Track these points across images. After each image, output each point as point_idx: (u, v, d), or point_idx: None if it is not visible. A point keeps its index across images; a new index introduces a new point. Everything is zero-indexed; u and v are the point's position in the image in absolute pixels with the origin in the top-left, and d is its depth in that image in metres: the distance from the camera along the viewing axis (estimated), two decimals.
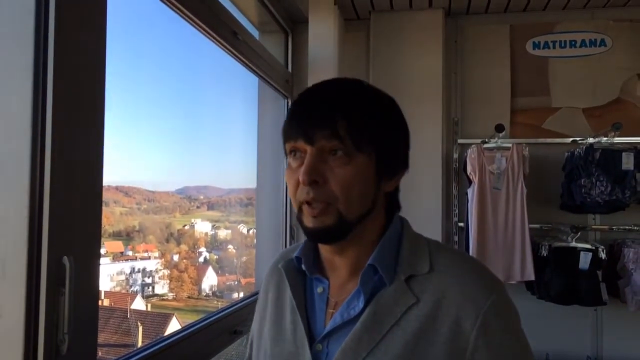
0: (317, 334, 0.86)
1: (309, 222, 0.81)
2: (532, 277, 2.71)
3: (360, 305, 0.82)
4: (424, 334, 0.78)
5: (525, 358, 0.81)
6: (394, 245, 0.86)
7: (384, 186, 0.86)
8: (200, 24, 1.79)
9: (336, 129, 0.79)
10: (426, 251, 0.86)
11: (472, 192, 2.84)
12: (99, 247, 1.14)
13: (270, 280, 1.00)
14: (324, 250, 0.90)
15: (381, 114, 0.85)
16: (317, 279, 0.91)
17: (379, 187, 0.85)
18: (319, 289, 0.90)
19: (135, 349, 1.47)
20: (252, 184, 3.03)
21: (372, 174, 0.82)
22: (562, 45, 3.05)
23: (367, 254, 0.84)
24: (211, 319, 1.92)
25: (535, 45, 3.07)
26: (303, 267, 0.91)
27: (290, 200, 2.89)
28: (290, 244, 2.86)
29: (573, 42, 3.04)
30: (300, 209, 0.83)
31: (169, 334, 1.68)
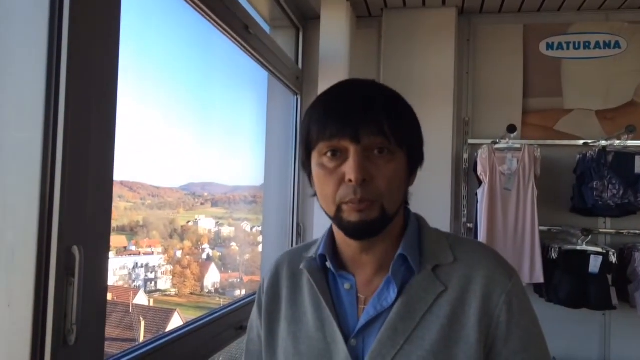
0: (349, 330, 0.86)
1: (353, 216, 0.81)
2: (541, 280, 2.68)
3: (393, 295, 0.85)
4: (456, 318, 0.82)
5: (538, 335, 0.86)
6: (416, 239, 0.90)
7: (410, 181, 0.89)
8: (212, 16, 1.78)
9: (382, 126, 0.80)
10: (446, 243, 0.90)
11: (482, 193, 2.81)
12: (109, 238, 1.12)
13: (280, 280, 0.99)
14: (350, 249, 0.90)
15: (409, 110, 0.89)
16: (342, 276, 0.91)
17: (408, 183, 0.89)
18: (347, 286, 0.90)
19: (139, 343, 1.46)
20: (257, 181, 3.01)
21: (406, 170, 0.86)
22: (576, 46, 3.02)
23: (392, 249, 0.88)
24: (217, 314, 1.90)
25: (549, 46, 3.04)
26: (328, 264, 0.91)
27: (297, 197, 2.89)
28: (297, 241, 2.84)
29: (587, 44, 3.01)
30: (338, 209, 0.82)
31: (174, 329, 1.67)
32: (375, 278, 0.89)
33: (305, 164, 0.90)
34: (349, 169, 0.79)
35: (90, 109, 1.02)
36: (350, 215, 0.81)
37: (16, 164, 0.95)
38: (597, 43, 3.00)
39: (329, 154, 0.82)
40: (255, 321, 1.03)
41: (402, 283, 0.85)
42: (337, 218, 0.83)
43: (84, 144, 1.01)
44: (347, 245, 0.90)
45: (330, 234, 0.94)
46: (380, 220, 0.82)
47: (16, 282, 0.93)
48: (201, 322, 1.78)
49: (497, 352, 0.82)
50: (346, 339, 0.85)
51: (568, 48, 3.03)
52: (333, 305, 0.89)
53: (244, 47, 2.12)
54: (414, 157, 0.88)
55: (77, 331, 0.96)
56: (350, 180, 0.79)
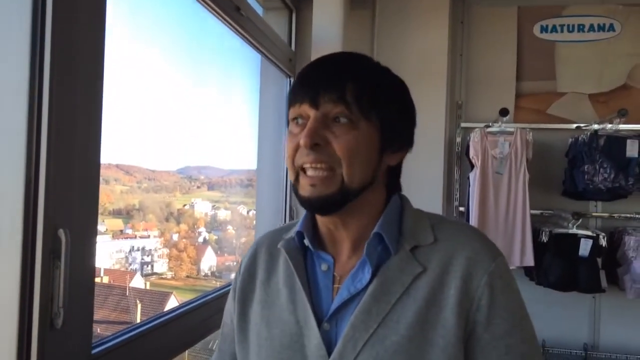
0: (323, 313, 0.82)
1: (305, 191, 0.79)
2: (532, 263, 2.70)
3: (367, 276, 0.81)
4: (434, 300, 0.78)
5: (523, 319, 0.81)
6: (396, 218, 0.86)
7: (387, 158, 0.85)
8: None
9: (344, 93, 0.78)
10: (428, 224, 0.86)
11: (474, 176, 2.81)
12: (96, 222, 1.12)
13: (257, 260, 0.96)
14: (324, 224, 0.87)
15: (389, 85, 0.85)
16: (320, 256, 0.87)
17: (381, 158, 0.84)
18: (324, 267, 0.86)
19: (129, 326, 1.46)
20: (253, 165, 3.01)
21: (375, 143, 0.81)
22: (570, 29, 3.00)
23: (369, 227, 0.83)
24: (210, 297, 1.91)
25: (543, 29, 3.02)
26: (306, 242, 0.87)
27: (289, 181, 2.89)
28: None
29: (581, 27, 2.99)
30: (296, 178, 0.81)
31: (164, 311, 1.67)
32: (352, 257, 0.85)
33: None
34: (303, 133, 0.78)
35: (76, 91, 1.01)
36: (304, 189, 0.79)
37: (0, 146, 0.94)
38: (592, 26, 2.98)
39: (296, 120, 0.82)
40: (230, 303, 1.00)
41: (379, 264, 0.81)
42: (295, 189, 0.82)
43: (70, 126, 1.00)
44: (321, 221, 0.87)
45: None
46: (338, 195, 0.78)
47: (2, 266, 0.93)
48: (193, 304, 1.79)
49: (477, 337, 0.77)
50: (319, 323, 0.81)
51: (562, 31, 3.01)
52: (308, 287, 0.85)
53: (235, 29, 2.10)
54: (390, 133, 0.83)
55: (64, 314, 0.96)
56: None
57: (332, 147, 0.78)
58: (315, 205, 0.81)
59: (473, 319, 0.77)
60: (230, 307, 0.99)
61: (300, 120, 0.81)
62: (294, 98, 0.82)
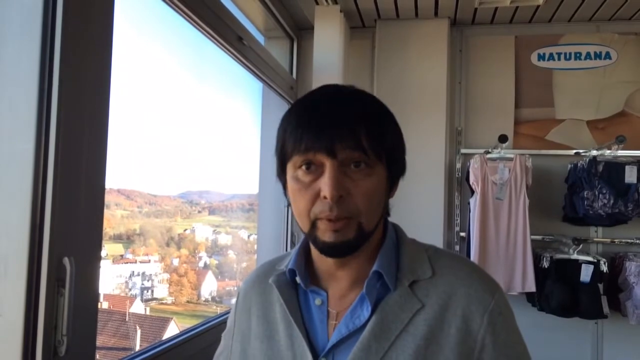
0: (319, 347, 0.82)
1: (328, 237, 0.77)
2: (533, 289, 2.69)
3: (366, 313, 0.80)
4: (433, 338, 0.77)
5: (524, 353, 0.82)
6: (393, 253, 0.85)
7: (390, 194, 0.85)
8: (206, 28, 1.80)
9: (360, 139, 0.75)
10: (425, 256, 0.85)
11: (474, 202, 2.83)
12: (100, 249, 1.13)
13: (250, 296, 0.95)
14: (325, 263, 0.85)
15: (389, 119, 0.84)
16: (314, 291, 0.87)
17: (388, 195, 0.84)
18: (317, 301, 0.85)
19: (133, 352, 1.46)
20: (254, 189, 3.02)
21: (386, 183, 0.81)
22: (567, 57, 3.05)
23: (368, 263, 0.83)
24: (212, 323, 1.91)
25: (540, 57, 3.07)
26: (298, 279, 0.87)
27: (290, 207, 2.90)
28: (291, 249, 2.85)
29: (578, 55, 3.04)
30: (313, 225, 0.78)
31: (167, 338, 1.67)
32: (350, 292, 0.84)
33: (280, 175, 0.86)
34: (324, 185, 0.75)
35: (82, 121, 1.04)
36: (325, 234, 0.77)
37: (8, 176, 0.97)
38: (588, 54, 3.03)
39: (303, 167, 0.78)
40: (227, 334, 1.00)
41: (377, 300, 0.81)
42: (312, 235, 0.79)
43: (76, 156, 1.02)
44: (322, 259, 0.85)
45: (305, 245, 0.90)
46: (357, 238, 0.77)
47: (7, 294, 0.94)
48: (196, 330, 1.79)
49: None
50: (316, 357, 0.80)
51: (559, 59, 3.06)
52: (302, 322, 0.84)
53: (237, 58, 2.14)
54: (395, 169, 0.83)
55: (68, 342, 0.96)
56: (325, 197, 0.75)
57: (353, 198, 0.76)
58: (338, 250, 0.78)
59: (479, 358, 0.77)
60: (228, 338, 0.98)
61: (312, 167, 0.77)
62: (302, 144, 0.77)
